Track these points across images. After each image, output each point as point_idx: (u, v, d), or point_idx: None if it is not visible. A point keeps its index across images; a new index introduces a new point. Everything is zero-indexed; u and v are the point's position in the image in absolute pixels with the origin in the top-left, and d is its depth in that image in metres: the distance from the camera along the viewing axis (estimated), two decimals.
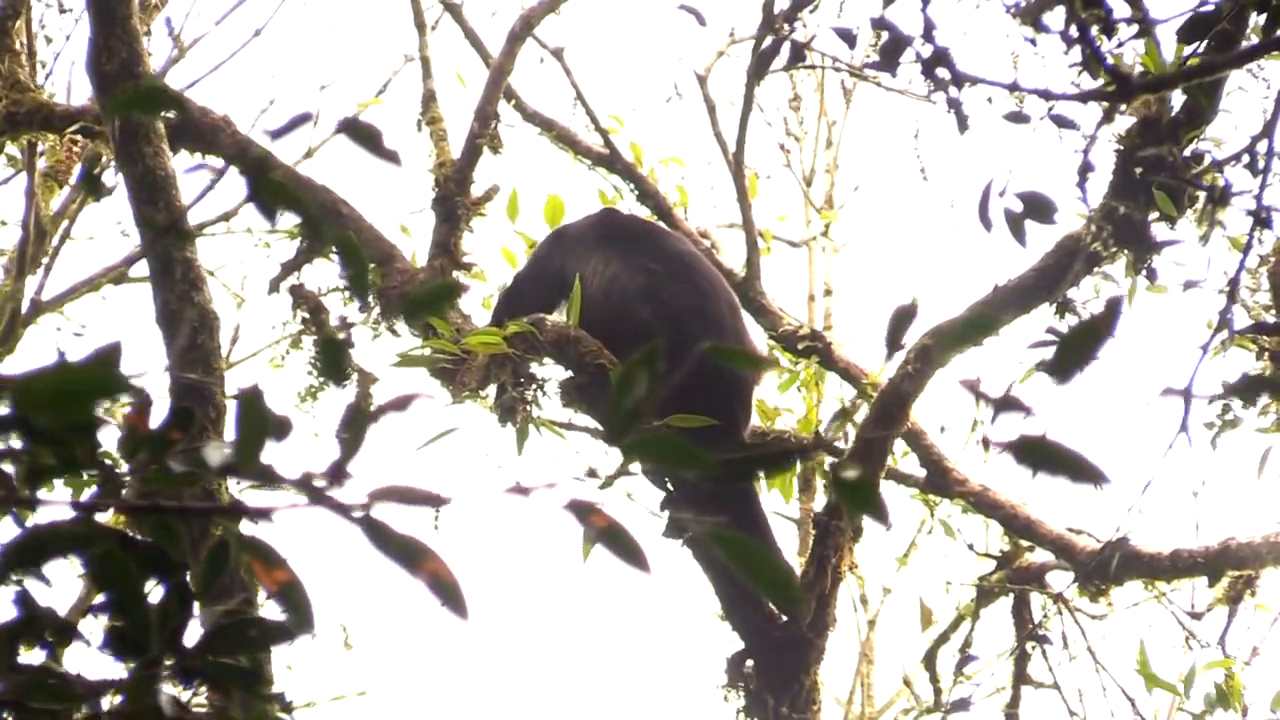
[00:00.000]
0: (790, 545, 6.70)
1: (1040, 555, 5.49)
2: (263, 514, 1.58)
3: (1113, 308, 1.56)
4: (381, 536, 1.58)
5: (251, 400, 1.54)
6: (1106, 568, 5.13)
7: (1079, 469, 1.63)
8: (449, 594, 1.62)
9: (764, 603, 4.98)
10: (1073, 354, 1.62)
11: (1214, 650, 5.37)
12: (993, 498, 5.33)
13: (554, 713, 9.02)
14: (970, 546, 5.69)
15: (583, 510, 1.58)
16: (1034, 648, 5.52)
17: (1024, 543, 5.49)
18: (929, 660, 5.73)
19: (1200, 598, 5.47)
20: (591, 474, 1.65)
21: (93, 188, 3.50)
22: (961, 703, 5.33)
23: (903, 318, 1.69)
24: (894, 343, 1.69)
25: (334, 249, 1.72)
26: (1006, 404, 1.60)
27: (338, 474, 1.55)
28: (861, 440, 4.94)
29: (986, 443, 1.62)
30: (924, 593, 5.83)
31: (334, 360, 1.67)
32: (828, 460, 5.56)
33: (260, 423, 1.55)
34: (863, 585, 7.43)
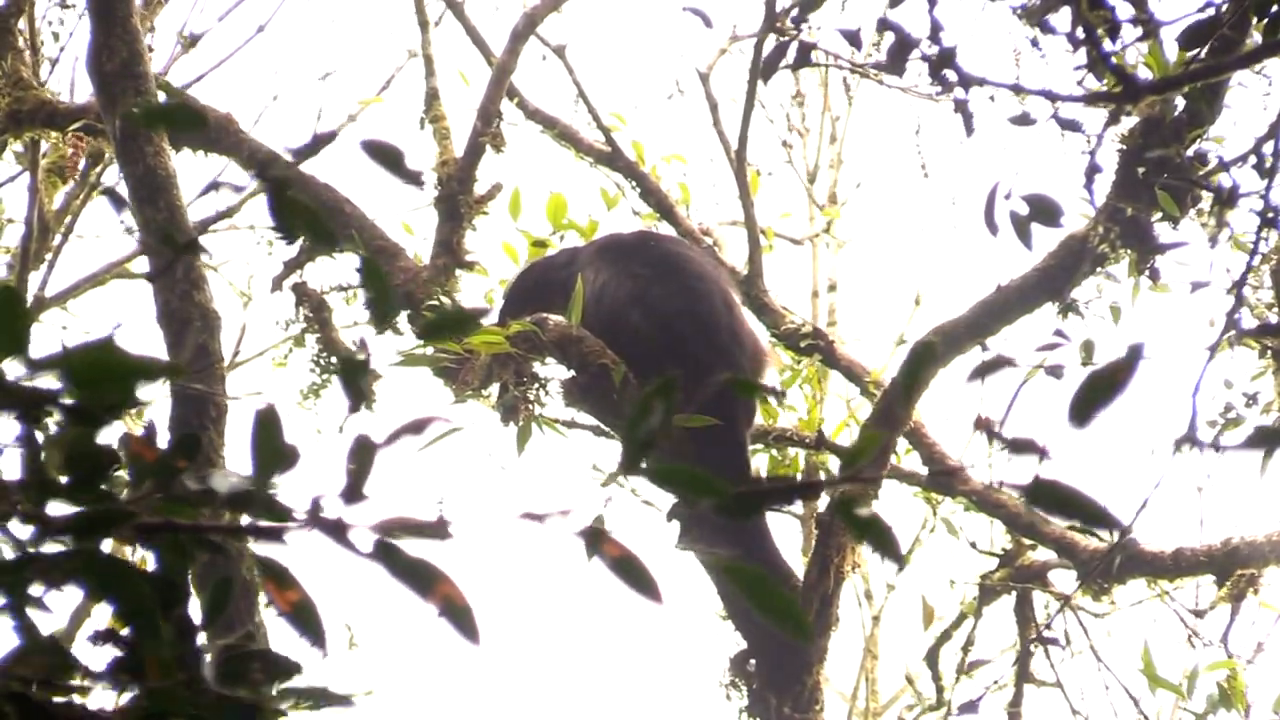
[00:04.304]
0: (793, 543, 6.69)
1: (1043, 554, 5.48)
2: (274, 534, 1.57)
3: (1134, 355, 1.56)
4: (393, 561, 1.58)
5: (266, 421, 1.53)
6: (1109, 566, 5.12)
7: (1090, 513, 1.64)
8: (461, 618, 1.62)
9: None
10: (1093, 397, 1.61)
11: (1217, 649, 5.37)
12: (995, 496, 5.32)
13: (556, 710, 9.02)
14: (973, 545, 5.69)
15: (595, 538, 1.58)
16: (1036, 646, 5.51)
17: (1026, 541, 5.48)
18: (932, 658, 5.72)
19: (1203, 596, 5.46)
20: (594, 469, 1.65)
21: (115, 202, 3.49)
22: (970, 704, 5.32)
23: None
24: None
25: (345, 255, 1.70)
26: (1020, 446, 1.60)
27: (347, 504, 1.53)
28: (862, 437, 4.93)
29: (1000, 484, 1.62)
30: (927, 590, 5.82)
31: (355, 383, 1.65)
32: (835, 467, 5.53)
33: (274, 455, 1.54)
34: (867, 581, 7.43)
